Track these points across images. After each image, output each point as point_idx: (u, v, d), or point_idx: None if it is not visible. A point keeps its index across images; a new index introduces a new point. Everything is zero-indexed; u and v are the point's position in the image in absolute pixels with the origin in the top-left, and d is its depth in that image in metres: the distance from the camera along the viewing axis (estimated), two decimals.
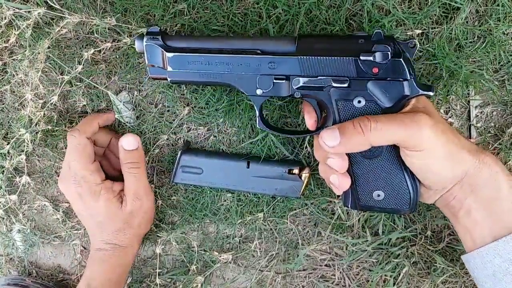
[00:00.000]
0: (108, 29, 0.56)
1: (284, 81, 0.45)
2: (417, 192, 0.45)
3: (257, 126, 0.49)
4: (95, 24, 0.55)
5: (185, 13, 0.54)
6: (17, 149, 0.61)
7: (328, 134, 0.42)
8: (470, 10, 0.51)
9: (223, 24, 0.54)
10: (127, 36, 0.55)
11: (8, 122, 0.62)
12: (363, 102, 0.44)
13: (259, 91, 0.46)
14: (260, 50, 0.45)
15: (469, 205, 0.42)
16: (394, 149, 0.43)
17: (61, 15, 0.55)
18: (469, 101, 0.54)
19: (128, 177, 0.54)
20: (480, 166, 0.41)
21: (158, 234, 0.61)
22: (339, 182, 0.44)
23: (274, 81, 0.45)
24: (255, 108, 0.48)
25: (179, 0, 0.54)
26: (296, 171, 0.56)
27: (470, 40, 0.51)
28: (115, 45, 0.57)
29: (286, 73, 0.45)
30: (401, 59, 0.42)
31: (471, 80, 0.52)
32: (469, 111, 0.54)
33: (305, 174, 0.55)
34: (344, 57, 0.43)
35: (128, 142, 0.54)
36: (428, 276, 0.56)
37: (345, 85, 0.43)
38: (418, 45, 0.43)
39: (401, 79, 0.42)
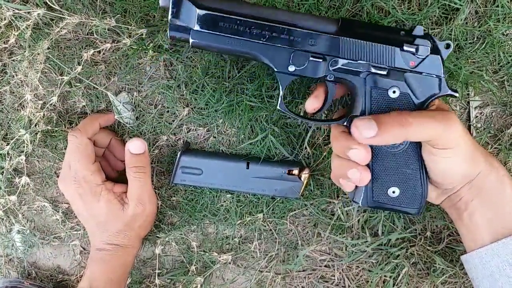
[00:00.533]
0: (108, 30, 0.56)
1: (321, 60, 0.43)
2: (427, 193, 0.45)
3: (278, 107, 0.46)
4: (94, 25, 0.55)
5: None
6: (17, 150, 0.61)
7: (365, 124, 0.40)
8: (470, 11, 0.51)
9: None
10: (127, 37, 0.55)
11: (8, 123, 0.62)
12: (397, 93, 0.43)
13: (291, 68, 0.43)
14: (300, 26, 0.43)
15: (474, 207, 0.43)
16: (417, 144, 0.44)
17: (61, 16, 0.55)
18: (468, 102, 0.54)
19: (133, 181, 0.54)
20: (490, 169, 0.42)
21: (157, 235, 0.61)
22: (361, 176, 0.43)
23: (310, 59, 0.43)
24: (280, 86, 0.45)
25: None
26: (295, 171, 0.56)
27: (469, 41, 0.52)
28: (114, 45, 0.57)
29: (325, 52, 0.43)
30: (439, 56, 0.43)
31: (470, 81, 0.52)
32: (468, 111, 0.54)
33: (304, 175, 0.55)
34: (387, 45, 0.43)
35: (135, 146, 0.53)
36: (428, 276, 0.56)
37: (384, 72, 0.43)
38: (452, 47, 0.43)
39: (435, 76, 0.43)
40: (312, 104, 0.46)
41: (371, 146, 0.43)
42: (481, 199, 0.42)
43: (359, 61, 0.43)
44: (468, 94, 0.54)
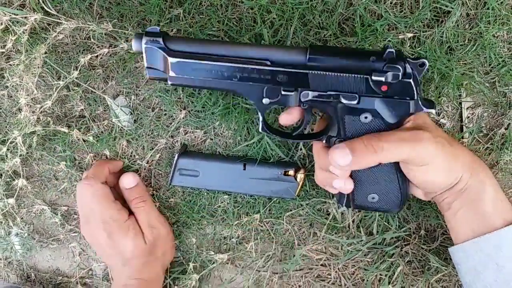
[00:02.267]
0: (105, 34, 0.56)
1: (292, 93, 0.44)
2: (407, 194, 0.47)
3: (260, 130, 0.48)
4: (91, 29, 0.55)
5: (180, 18, 0.55)
6: (14, 153, 0.62)
7: (339, 153, 0.42)
8: (461, 14, 0.52)
9: (219, 29, 0.54)
10: (124, 41, 0.56)
11: (6, 127, 0.63)
12: (369, 118, 0.44)
13: (265, 101, 0.45)
14: (270, 61, 0.44)
15: (456, 207, 0.45)
16: None
17: (58, 20, 0.55)
18: (460, 103, 0.55)
19: (138, 212, 0.57)
20: (470, 174, 0.44)
21: None
22: (345, 186, 0.46)
23: (282, 92, 0.44)
24: (259, 113, 0.47)
25: (174, 5, 0.55)
26: (291, 172, 0.56)
27: (461, 43, 0.52)
28: (112, 50, 0.57)
29: (295, 85, 0.44)
30: (411, 80, 0.43)
31: (462, 82, 0.53)
32: (460, 112, 0.55)
33: (300, 176, 0.56)
34: (356, 75, 0.43)
35: (128, 181, 0.57)
36: (423, 275, 0.57)
37: (354, 102, 0.43)
38: (428, 65, 0.43)
39: (408, 99, 0.43)
40: (285, 119, 0.48)
41: None
42: (462, 200, 0.44)
43: (328, 93, 0.44)
44: (460, 95, 0.55)
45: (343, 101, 0.43)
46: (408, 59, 0.43)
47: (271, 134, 0.48)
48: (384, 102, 0.43)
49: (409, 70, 0.43)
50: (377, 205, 0.47)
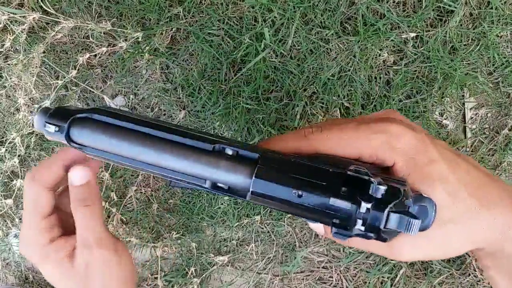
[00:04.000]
0: (104, 33, 0.56)
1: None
2: None
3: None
4: (90, 28, 0.55)
5: (180, 17, 0.54)
6: (13, 154, 0.61)
7: (314, 224, 0.33)
8: (464, 13, 0.51)
9: (219, 28, 0.54)
10: (123, 41, 0.55)
11: (4, 127, 0.62)
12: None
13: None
14: (209, 182, 0.30)
15: (486, 265, 0.34)
16: None
17: (56, 20, 0.55)
18: (464, 103, 0.54)
19: (76, 219, 0.39)
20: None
21: (155, 237, 0.61)
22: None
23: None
24: None
25: (174, 4, 0.54)
26: None
27: (464, 43, 0.52)
28: (110, 49, 0.57)
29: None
30: (398, 229, 0.27)
31: (465, 83, 0.53)
32: (464, 113, 0.55)
33: None
34: (320, 217, 0.28)
35: (75, 177, 0.39)
36: (425, 277, 0.57)
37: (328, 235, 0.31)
38: None
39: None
40: None
41: None
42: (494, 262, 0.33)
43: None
44: (463, 96, 0.54)
45: (309, 224, 0.32)
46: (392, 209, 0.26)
47: None
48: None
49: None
50: None
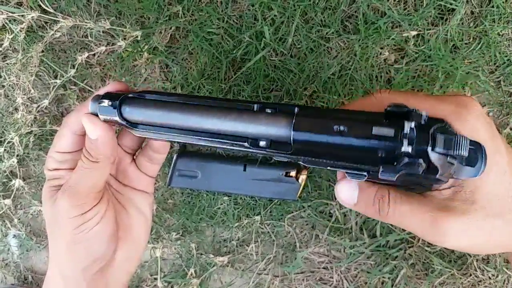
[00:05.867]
0: (103, 32, 0.55)
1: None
2: None
3: None
4: (89, 27, 0.55)
5: (179, 15, 0.54)
6: (11, 153, 0.61)
7: (346, 191, 0.34)
8: (465, 12, 0.51)
9: (218, 26, 0.53)
10: (122, 39, 0.55)
11: (2, 126, 0.62)
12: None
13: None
14: (248, 139, 0.31)
15: None
16: None
17: (55, 18, 0.55)
18: None
19: (77, 164, 0.37)
20: None
21: (154, 238, 0.61)
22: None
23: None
24: None
25: (173, 2, 0.54)
26: (293, 173, 0.55)
27: (465, 42, 0.52)
28: (109, 48, 0.56)
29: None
30: (437, 176, 0.27)
31: (467, 81, 0.52)
32: None
33: (302, 177, 0.55)
34: (359, 164, 0.28)
35: (90, 130, 0.36)
36: (426, 277, 0.56)
37: (363, 179, 0.31)
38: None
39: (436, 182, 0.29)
40: None
41: None
42: None
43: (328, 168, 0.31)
44: (464, 95, 0.54)
45: (348, 176, 0.30)
46: (437, 149, 0.26)
47: None
48: (404, 177, 0.29)
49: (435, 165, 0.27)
50: None
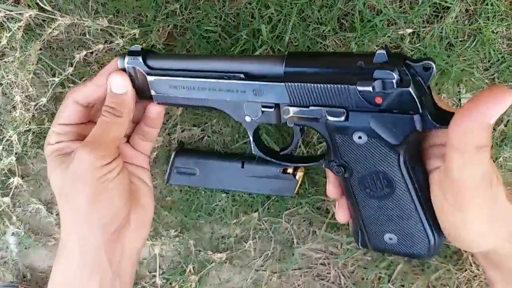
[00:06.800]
0: (100, 30, 0.56)
1: (272, 109, 0.38)
2: (439, 235, 0.37)
3: (253, 152, 0.43)
4: (87, 25, 0.55)
5: (177, 13, 0.54)
6: (9, 151, 0.61)
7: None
8: (460, 9, 0.52)
9: (216, 24, 0.54)
10: (120, 38, 0.55)
11: (1, 124, 0.62)
12: (364, 139, 0.36)
13: (248, 118, 0.40)
14: (244, 73, 0.38)
15: (494, 278, 0.36)
16: (408, 186, 0.36)
17: (53, 17, 0.55)
18: (460, 99, 0.55)
19: (98, 120, 0.41)
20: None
21: (153, 235, 0.61)
22: (337, 216, 0.42)
23: (262, 109, 0.39)
24: (248, 132, 0.42)
25: (171, 0, 0.54)
26: (290, 170, 0.56)
27: (460, 39, 0.52)
28: (107, 46, 0.57)
29: (274, 101, 0.38)
30: (410, 89, 0.33)
31: (462, 78, 0.53)
32: None
33: (299, 173, 0.56)
34: (340, 85, 0.34)
35: (115, 82, 0.41)
36: (422, 273, 0.57)
37: (342, 118, 0.36)
38: (435, 68, 0.33)
39: (411, 113, 0.33)
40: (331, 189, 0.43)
41: (353, 191, 0.39)
42: (501, 271, 0.36)
43: (311, 108, 0.37)
44: (459, 91, 0.54)
45: (329, 118, 0.36)
46: (407, 61, 0.33)
47: (265, 157, 0.43)
48: (381, 118, 0.34)
49: (406, 76, 0.33)
50: (398, 248, 0.39)
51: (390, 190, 0.37)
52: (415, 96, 0.33)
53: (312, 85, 0.36)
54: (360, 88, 0.33)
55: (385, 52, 0.33)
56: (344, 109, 0.35)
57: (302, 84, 0.36)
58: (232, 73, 0.39)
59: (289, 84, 0.36)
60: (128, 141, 0.46)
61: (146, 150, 0.47)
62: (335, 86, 0.35)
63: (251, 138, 0.42)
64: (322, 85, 0.35)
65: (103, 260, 0.40)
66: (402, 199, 0.37)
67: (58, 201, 0.41)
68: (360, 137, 0.36)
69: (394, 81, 0.32)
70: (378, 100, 0.34)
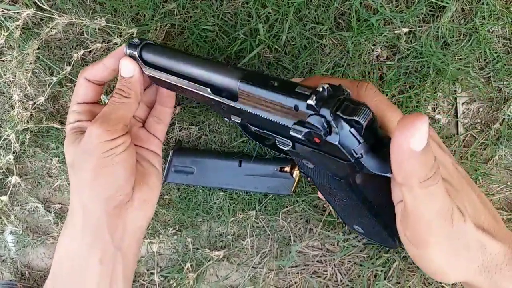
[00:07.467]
0: (98, 29, 0.56)
1: (238, 120, 0.40)
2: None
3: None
4: (85, 24, 0.55)
5: (175, 13, 0.54)
6: (7, 150, 0.61)
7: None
8: (456, 9, 0.52)
9: (213, 23, 0.54)
10: (117, 37, 0.55)
11: None
12: (311, 165, 0.37)
13: (226, 120, 0.42)
14: (211, 88, 0.39)
15: None
16: (363, 205, 0.38)
17: (51, 16, 0.55)
18: (456, 98, 0.55)
19: (109, 102, 0.44)
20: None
21: (151, 233, 0.61)
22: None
23: (232, 117, 0.40)
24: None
25: (169, 0, 0.54)
26: (287, 168, 0.56)
27: (456, 38, 0.52)
28: (105, 45, 0.57)
29: (237, 119, 0.40)
30: (336, 143, 0.31)
31: (457, 77, 0.53)
32: (456, 107, 0.55)
33: (296, 172, 0.56)
34: (281, 122, 0.34)
35: (124, 67, 0.44)
36: (418, 270, 0.57)
37: (288, 148, 0.36)
38: (367, 122, 0.30)
39: (343, 162, 0.32)
40: None
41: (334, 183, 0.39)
42: None
43: (264, 131, 0.37)
44: (455, 90, 0.55)
45: (278, 144, 0.36)
46: (338, 113, 0.30)
47: (253, 139, 0.44)
48: (321, 156, 0.34)
49: (335, 128, 0.31)
50: (366, 236, 0.46)
51: (346, 200, 0.40)
52: (342, 149, 0.31)
53: (260, 113, 0.36)
54: (292, 133, 0.33)
55: (313, 103, 0.31)
56: (290, 141, 0.35)
57: (252, 109, 0.36)
58: (202, 84, 0.40)
59: (242, 107, 0.37)
60: (143, 126, 0.50)
61: (160, 134, 0.50)
62: (279, 120, 0.35)
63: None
64: (268, 116, 0.35)
65: (105, 233, 0.41)
66: (357, 210, 0.40)
67: (69, 175, 0.44)
68: (307, 163, 0.37)
69: (322, 133, 0.31)
70: (317, 140, 0.32)
